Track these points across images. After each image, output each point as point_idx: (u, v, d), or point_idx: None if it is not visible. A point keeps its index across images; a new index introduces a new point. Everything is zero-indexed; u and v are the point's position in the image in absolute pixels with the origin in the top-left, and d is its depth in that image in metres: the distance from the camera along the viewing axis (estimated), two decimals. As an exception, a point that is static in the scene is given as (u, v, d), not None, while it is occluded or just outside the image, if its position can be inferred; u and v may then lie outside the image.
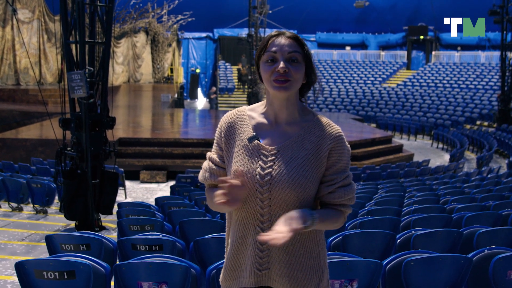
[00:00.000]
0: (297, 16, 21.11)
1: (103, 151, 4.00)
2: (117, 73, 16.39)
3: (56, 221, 4.24)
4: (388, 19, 21.61)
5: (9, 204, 4.61)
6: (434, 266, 1.84)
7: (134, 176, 7.03)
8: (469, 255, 1.91)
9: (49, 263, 1.74)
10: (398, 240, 2.34)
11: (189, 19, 19.38)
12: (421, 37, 19.90)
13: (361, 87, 17.37)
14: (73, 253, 1.96)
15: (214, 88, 17.83)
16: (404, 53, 20.38)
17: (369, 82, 17.83)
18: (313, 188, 1.07)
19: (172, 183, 6.09)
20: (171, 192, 5.20)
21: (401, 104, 15.67)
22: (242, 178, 1.04)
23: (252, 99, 14.69)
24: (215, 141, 1.17)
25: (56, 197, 4.77)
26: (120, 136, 7.52)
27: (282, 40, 1.07)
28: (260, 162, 1.08)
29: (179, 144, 7.66)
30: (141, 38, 18.46)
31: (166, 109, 13.32)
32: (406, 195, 4.27)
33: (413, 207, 3.36)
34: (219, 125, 1.16)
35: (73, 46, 3.91)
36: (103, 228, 4.03)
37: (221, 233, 2.28)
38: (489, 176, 5.96)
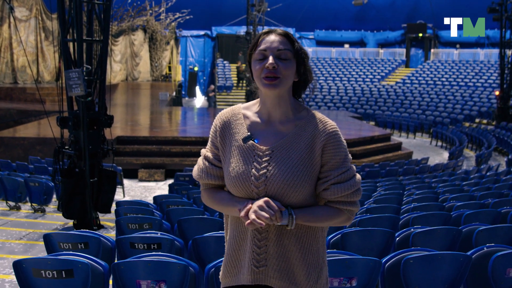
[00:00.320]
0: (295, 14, 21.05)
1: (101, 150, 3.99)
2: (115, 71, 16.34)
3: (54, 219, 4.23)
4: (387, 17, 21.59)
5: (7, 203, 4.59)
6: (433, 264, 1.84)
7: (132, 174, 7.02)
8: (468, 253, 1.91)
9: (47, 261, 1.73)
10: (397, 238, 2.34)
11: (187, 17, 19.29)
12: (420, 34, 19.89)
13: (359, 85, 17.36)
14: (71, 252, 1.96)
15: (212, 86, 17.79)
16: (403, 50, 20.37)
17: (367, 80, 17.82)
18: (308, 187, 1.06)
19: (171, 181, 6.08)
20: (170, 191, 5.19)
21: (400, 102, 15.67)
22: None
23: (251, 97, 14.68)
24: (210, 139, 1.16)
25: (54, 196, 4.75)
26: (118, 135, 7.50)
27: (272, 37, 1.07)
28: (254, 163, 1.07)
29: (178, 142, 7.64)
30: (139, 36, 18.38)
31: (164, 107, 13.28)
32: (405, 193, 4.26)
33: (412, 205, 3.36)
34: (214, 124, 1.16)
35: (71, 44, 3.89)
36: (101, 226, 4.02)
37: (220, 232, 2.28)
38: (488, 174, 5.95)
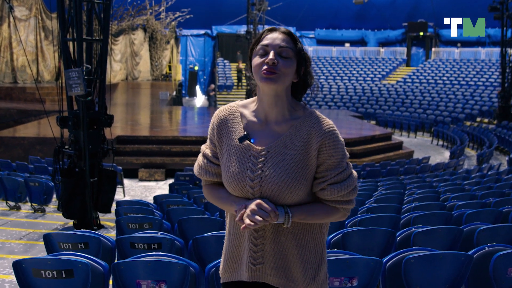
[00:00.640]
0: (296, 13, 21.02)
1: (101, 149, 3.98)
2: (115, 71, 16.33)
3: (54, 219, 4.22)
4: (387, 16, 21.54)
5: (6, 203, 4.59)
6: (434, 263, 1.83)
7: (132, 174, 7.02)
8: (470, 253, 1.91)
9: (47, 262, 1.73)
10: (398, 238, 2.34)
11: (187, 16, 19.28)
12: (421, 33, 19.85)
13: (360, 84, 17.33)
14: (71, 252, 1.95)
15: (212, 86, 17.78)
16: (404, 49, 20.34)
17: (368, 79, 17.79)
18: (304, 187, 1.06)
19: (171, 181, 6.08)
20: (170, 190, 5.19)
21: (401, 101, 15.64)
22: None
23: (251, 96, 14.58)
24: (208, 136, 1.17)
25: (54, 196, 4.75)
26: (118, 134, 7.50)
27: (275, 35, 1.07)
28: (249, 164, 1.07)
29: (178, 142, 7.64)
30: (139, 35, 18.37)
31: (165, 106, 13.28)
32: (406, 192, 4.25)
33: (413, 205, 3.35)
34: (211, 121, 1.15)
35: (71, 44, 3.88)
36: (101, 226, 4.02)
37: (220, 231, 2.27)
38: (489, 173, 5.94)
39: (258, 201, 1.02)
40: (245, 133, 1.10)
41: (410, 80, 17.25)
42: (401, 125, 12.69)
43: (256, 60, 1.07)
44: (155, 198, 4.24)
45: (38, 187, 4.43)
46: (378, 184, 5.01)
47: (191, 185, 5.07)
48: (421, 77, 17.31)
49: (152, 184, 6.90)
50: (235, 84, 17.98)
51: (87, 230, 2.67)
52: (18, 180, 4.54)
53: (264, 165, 1.06)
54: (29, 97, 10.54)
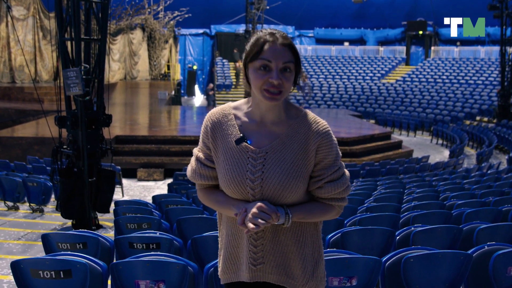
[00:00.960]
0: (295, 12, 21.00)
1: (99, 149, 3.97)
2: (114, 70, 16.29)
3: (53, 220, 4.21)
4: (386, 14, 21.53)
5: (5, 203, 4.58)
6: (434, 262, 1.83)
7: (131, 174, 7.01)
8: (469, 252, 1.90)
9: (45, 262, 1.72)
10: (398, 237, 2.33)
11: (186, 15, 19.23)
12: (420, 32, 19.84)
13: (359, 83, 17.32)
14: (69, 252, 1.94)
15: (211, 85, 17.76)
16: (403, 48, 20.33)
17: (367, 78, 17.78)
18: (302, 186, 1.08)
19: (170, 181, 6.06)
20: (169, 190, 5.18)
21: (400, 100, 15.64)
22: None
23: (250, 96, 14.59)
24: (201, 139, 1.16)
25: (53, 196, 4.74)
26: (117, 134, 7.48)
27: (277, 48, 1.04)
28: (249, 165, 1.08)
29: (177, 141, 7.62)
30: (137, 34, 18.33)
31: (163, 106, 13.25)
32: (405, 191, 4.25)
33: (413, 204, 3.34)
34: (204, 124, 1.15)
35: (69, 43, 3.87)
36: (100, 226, 4.01)
37: (219, 231, 2.25)
38: (489, 172, 5.94)
39: (259, 204, 1.03)
40: (241, 135, 1.10)
41: (409, 79, 17.25)
42: (401, 124, 12.69)
43: (258, 76, 1.05)
44: (154, 198, 4.23)
45: (36, 187, 4.42)
46: (378, 183, 5.01)
47: (190, 185, 5.05)
48: (420, 76, 17.30)
49: (151, 184, 6.89)
50: (234, 83, 17.96)
51: (86, 230, 2.65)
52: (16, 180, 4.53)
53: (264, 166, 1.07)
54: (27, 97, 10.52)
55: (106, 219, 4.22)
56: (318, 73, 18.23)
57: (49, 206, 4.67)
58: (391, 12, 21.61)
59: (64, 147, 3.93)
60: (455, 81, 16.48)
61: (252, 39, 1.07)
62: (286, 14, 20.16)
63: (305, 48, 20.79)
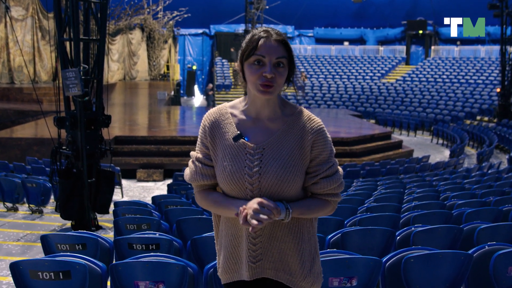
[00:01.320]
0: (294, 11, 20.99)
1: (98, 150, 3.96)
2: (113, 71, 16.28)
3: (52, 221, 4.20)
4: (386, 14, 21.53)
5: (4, 204, 4.57)
6: (434, 262, 1.82)
7: (130, 174, 7.00)
8: (470, 252, 1.90)
9: (44, 263, 1.72)
10: (398, 237, 2.32)
11: (185, 15, 19.22)
12: (420, 31, 19.82)
13: (359, 83, 17.30)
14: (68, 253, 1.93)
15: (211, 85, 17.75)
16: (403, 48, 20.31)
17: (367, 77, 17.76)
18: (299, 181, 1.11)
19: (169, 181, 6.07)
20: (168, 191, 5.17)
21: (400, 99, 15.63)
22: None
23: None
24: (199, 139, 1.18)
25: (52, 197, 4.73)
26: (116, 134, 7.47)
27: (271, 43, 1.08)
28: (247, 161, 1.10)
29: (176, 142, 7.62)
30: (136, 35, 18.32)
31: (163, 106, 13.24)
32: (405, 191, 4.25)
33: (413, 204, 3.34)
34: (202, 124, 1.18)
35: (68, 44, 3.85)
36: (99, 227, 4.00)
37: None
38: (489, 171, 5.94)
39: (259, 200, 1.04)
40: (238, 132, 1.12)
41: (409, 79, 17.24)
42: (401, 124, 12.68)
43: (253, 71, 1.08)
44: (153, 198, 4.22)
45: (35, 188, 4.41)
46: (378, 183, 5.00)
47: (189, 185, 5.04)
48: (420, 76, 17.29)
49: (150, 184, 6.88)
50: (234, 83, 17.95)
51: (85, 231, 2.65)
52: (15, 181, 4.52)
53: (261, 161, 1.09)
54: (26, 98, 10.51)
55: (106, 220, 4.22)
56: (318, 73, 18.22)
57: (48, 207, 4.66)
58: (391, 11, 21.61)
59: (63, 147, 3.92)
60: (455, 80, 16.46)
61: (248, 37, 1.11)
62: (285, 13, 20.16)
63: (305, 48, 20.78)
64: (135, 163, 7.19)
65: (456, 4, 18.21)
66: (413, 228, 2.34)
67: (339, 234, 2.22)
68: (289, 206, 1.08)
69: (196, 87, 22.19)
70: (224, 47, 20.40)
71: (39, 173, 5.47)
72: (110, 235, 3.20)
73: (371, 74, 18.06)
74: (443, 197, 3.81)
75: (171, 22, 19.88)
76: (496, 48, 16.91)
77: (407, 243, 2.26)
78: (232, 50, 18.14)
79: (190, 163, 1.19)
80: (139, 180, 7.01)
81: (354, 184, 5.03)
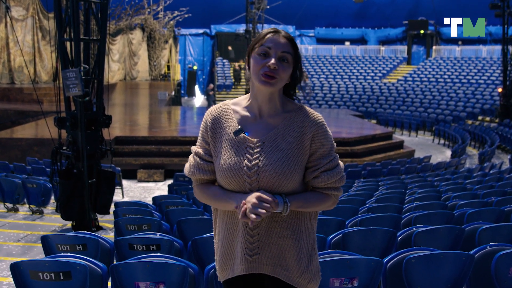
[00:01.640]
0: (296, 11, 20.98)
1: (99, 150, 3.96)
2: (113, 71, 16.29)
3: (52, 221, 4.20)
4: (387, 14, 21.49)
5: (4, 204, 4.57)
6: (436, 263, 1.81)
7: (131, 175, 7.00)
8: (471, 252, 1.89)
9: (44, 263, 1.72)
10: (399, 238, 2.32)
11: (186, 15, 19.22)
12: (422, 31, 19.78)
13: (361, 83, 17.28)
14: (69, 254, 1.93)
15: (211, 85, 17.75)
16: (404, 48, 20.28)
17: (369, 77, 17.74)
18: (298, 175, 1.12)
19: (170, 181, 6.06)
20: (169, 191, 5.17)
21: (402, 99, 15.60)
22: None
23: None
24: (200, 135, 1.20)
25: (52, 197, 4.73)
26: (117, 135, 7.47)
27: (278, 38, 1.12)
28: (246, 155, 1.12)
29: (177, 142, 7.62)
30: (137, 35, 18.32)
31: (163, 106, 13.24)
32: (407, 192, 4.23)
33: (414, 204, 3.33)
34: (204, 120, 1.19)
35: (68, 44, 3.86)
36: (100, 228, 4.00)
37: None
38: (491, 172, 5.91)
39: (257, 194, 1.06)
40: (239, 127, 1.14)
41: (411, 79, 17.21)
42: (402, 124, 12.66)
43: (257, 61, 1.11)
44: (154, 199, 4.22)
45: (36, 188, 4.41)
46: (379, 183, 4.99)
47: (190, 186, 5.04)
48: (422, 76, 17.25)
49: (151, 185, 6.88)
50: (234, 83, 17.95)
51: (86, 231, 2.64)
52: (15, 181, 4.52)
53: (260, 155, 1.11)
54: (27, 98, 10.51)
55: (106, 221, 4.21)
56: (319, 73, 18.20)
57: (48, 207, 4.66)
58: (392, 11, 21.57)
59: (64, 148, 3.92)
60: (456, 80, 16.43)
61: (258, 34, 1.16)
62: (286, 13, 20.14)
63: (306, 48, 20.76)
64: (135, 164, 7.19)
65: (457, 4, 18.17)
66: (414, 229, 2.33)
67: (340, 235, 2.21)
68: (287, 199, 1.08)
69: (196, 87, 22.20)
70: (225, 47, 20.40)
71: (40, 173, 5.47)
72: (110, 236, 3.20)
73: (372, 74, 18.03)
74: (445, 197, 3.80)
75: (171, 22, 19.88)
76: (498, 48, 16.85)
77: (408, 243, 2.25)
78: (229, 48, 18.12)
79: (190, 157, 1.20)
80: (140, 181, 7.01)
81: (355, 184, 5.02)
